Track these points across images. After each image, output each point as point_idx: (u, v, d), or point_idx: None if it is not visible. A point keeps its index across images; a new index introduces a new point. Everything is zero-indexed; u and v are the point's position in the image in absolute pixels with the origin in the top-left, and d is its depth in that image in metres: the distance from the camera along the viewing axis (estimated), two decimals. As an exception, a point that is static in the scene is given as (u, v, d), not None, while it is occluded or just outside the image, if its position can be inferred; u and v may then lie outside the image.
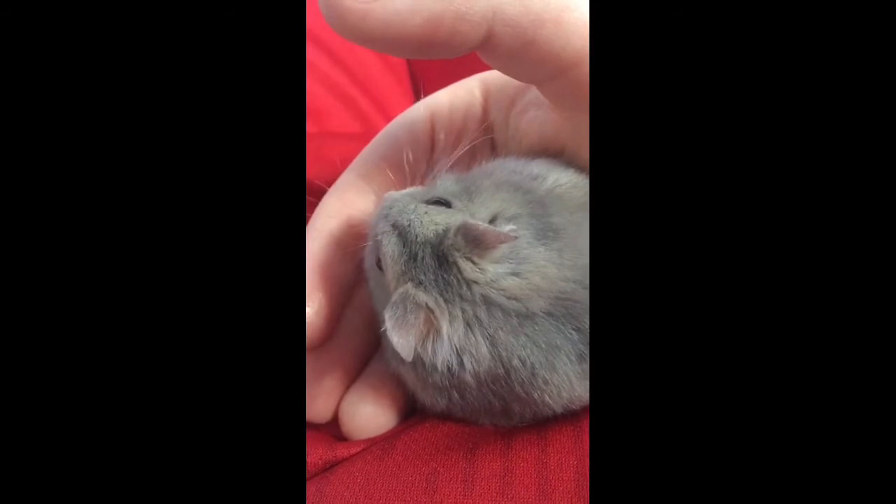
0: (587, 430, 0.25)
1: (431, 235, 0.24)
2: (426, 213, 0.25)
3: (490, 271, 0.23)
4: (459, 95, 0.31)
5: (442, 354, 0.24)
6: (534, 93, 0.27)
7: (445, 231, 0.24)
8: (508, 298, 0.23)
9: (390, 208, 0.26)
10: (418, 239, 0.24)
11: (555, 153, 0.28)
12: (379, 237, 0.26)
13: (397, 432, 0.28)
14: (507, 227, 0.24)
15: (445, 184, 0.27)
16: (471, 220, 0.24)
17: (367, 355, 0.30)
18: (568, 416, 0.26)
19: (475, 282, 0.23)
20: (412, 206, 0.25)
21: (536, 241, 0.24)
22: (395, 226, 0.25)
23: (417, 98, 0.32)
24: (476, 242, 0.23)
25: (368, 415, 0.28)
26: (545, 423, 0.26)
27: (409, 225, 0.25)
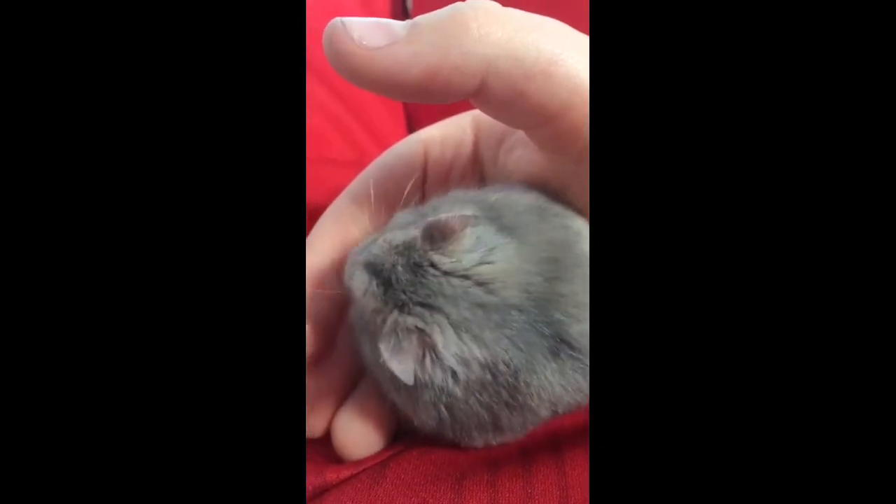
0: (569, 461, 0.26)
1: (395, 255, 0.25)
2: (383, 240, 0.26)
3: (465, 259, 0.25)
4: (451, 131, 0.32)
5: (442, 368, 0.24)
6: (521, 133, 0.28)
7: (410, 242, 0.25)
8: (486, 291, 0.24)
9: (351, 254, 0.27)
10: (386, 265, 0.25)
11: (539, 190, 0.29)
12: (350, 281, 0.26)
13: (386, 460, 0.28)
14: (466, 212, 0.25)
15: (400, 218, 0.28)
16: (431, 219, 0.25)
17: (359, 375, 0.30)
18: (550, 448, 0.26)
19: (452, 272, 0.24)
20: (370, 242, 0.27)
21: (498, 235, 0.25)
22: (362, 264, 0.26)
23: (410, 130, 0.33)
24: (442, 235, 0.25)
25: (359, 433, 0.29)
26: (529, 455, 0.26)
27: (375, 258, 0.26)
